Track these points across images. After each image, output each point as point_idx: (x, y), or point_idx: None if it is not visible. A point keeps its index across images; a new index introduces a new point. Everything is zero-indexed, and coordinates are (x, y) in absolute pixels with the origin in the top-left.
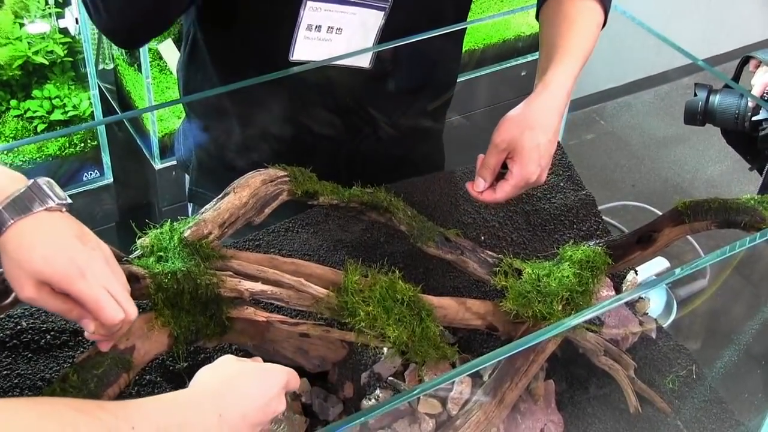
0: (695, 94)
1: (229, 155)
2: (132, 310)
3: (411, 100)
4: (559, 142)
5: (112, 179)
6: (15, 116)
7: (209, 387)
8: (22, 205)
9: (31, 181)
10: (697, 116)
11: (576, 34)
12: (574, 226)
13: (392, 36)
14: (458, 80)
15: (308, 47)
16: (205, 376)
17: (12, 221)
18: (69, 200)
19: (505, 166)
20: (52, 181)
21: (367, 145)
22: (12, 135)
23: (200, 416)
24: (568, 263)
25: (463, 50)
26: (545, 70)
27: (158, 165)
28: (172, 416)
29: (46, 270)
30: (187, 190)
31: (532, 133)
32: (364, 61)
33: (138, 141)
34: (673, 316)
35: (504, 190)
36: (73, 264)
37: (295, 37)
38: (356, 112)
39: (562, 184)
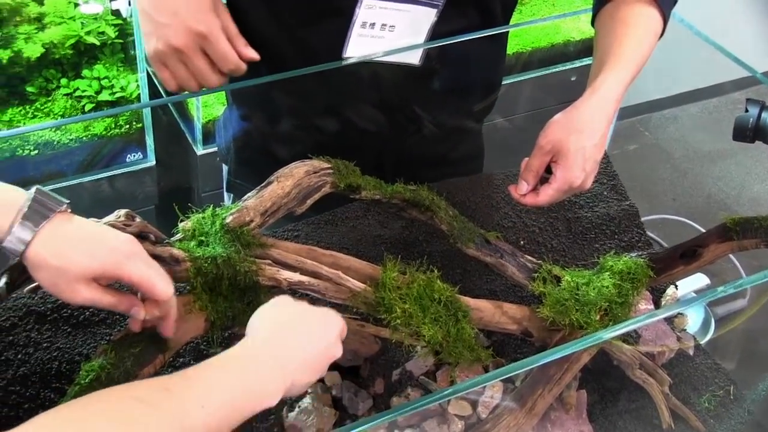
0: (746, 110)
1: (270, 147)
2: (172, 287)
3: (456, 99)
4: (604, 151)
5: (154, 162)
6: (64, 94)
7: (268, 336)
8: (40, 212)
9: (32, 188)
10: (747, 132)
11: (632, 41)
12: (616, 236)
13: (443, 34)
14: (504, 82)
15: (361, 44)
16: (264, 320)
17: (38, 229)
18: (68, 201)
19: (549, 171)
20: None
21: (409, 142)
22: (60, 113)
23: (260, 367)
24: (608, 273)
25: (511, 53)
26: (596, 75)
27: (200, 150)
28: (236, 384)
29: (94, 264)
30: (225, 180)
31: (578, 137)
32: (414, 58)
33: (182, 125)
34: (710, 334)
35: (546, 194)
36: (116, 250)
37: (349, 34)
38: (400, 109)
39: (605, 193)
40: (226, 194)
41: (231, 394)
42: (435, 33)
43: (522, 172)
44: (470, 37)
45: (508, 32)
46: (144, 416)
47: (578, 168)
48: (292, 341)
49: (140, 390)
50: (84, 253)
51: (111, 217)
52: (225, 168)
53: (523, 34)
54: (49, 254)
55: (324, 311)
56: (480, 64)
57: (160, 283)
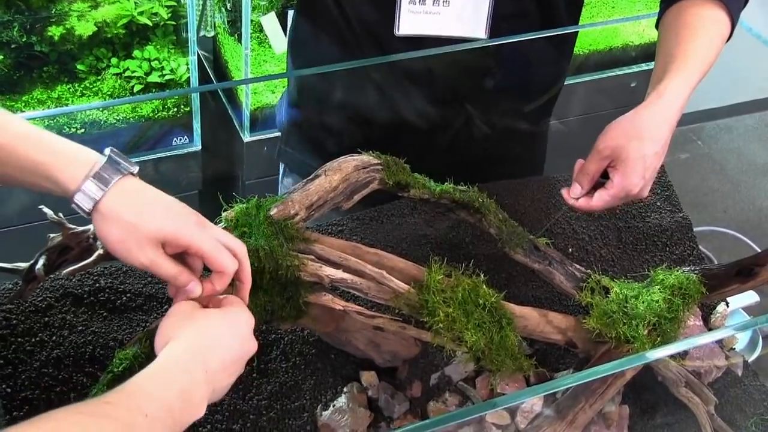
0: None
1: (324, 126)
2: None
3: (516, 97)
4: None
5: (200, 147)
6: (114, 74)
7: (189, 345)
8: (117, 166)
9: (107, 149)
10: None
11: (697, 44)
12: (667, 248)
13: (504, 6)
14: None
15: (414, 21)
16: (176, 331)
17: (116, 179)
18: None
19: (605, 175)
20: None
21: (463, 137)
22: (109, 92)
23: (191, 378)
24: (659, 287)
25: None
26: (660, 79)
27: (247, 137)
28: (171, 388)
29: (169, 227)
30: (277, 148)
31: (640, 144)
32: (480, 32)
33: (229, 111)
34: (757, 353)
35: (602, 199)
36: (190, 217)
37: (398, 10)
38: (456, 105)
39: (658, 204)
40: (280, 165)
41: (170, 404)
42: (497, 5)
43: (576, 174)
44: (533, 37)
45: (576, 33)
46: (99, 428)
47: (638, 176)
48: (210, 349)
49: (83, 407)
50: (160, 213)
51: None
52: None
53: (581, 36)
54: (125, 208)
55: (232, 311)
56: (543, 60)
57: (228, 257)
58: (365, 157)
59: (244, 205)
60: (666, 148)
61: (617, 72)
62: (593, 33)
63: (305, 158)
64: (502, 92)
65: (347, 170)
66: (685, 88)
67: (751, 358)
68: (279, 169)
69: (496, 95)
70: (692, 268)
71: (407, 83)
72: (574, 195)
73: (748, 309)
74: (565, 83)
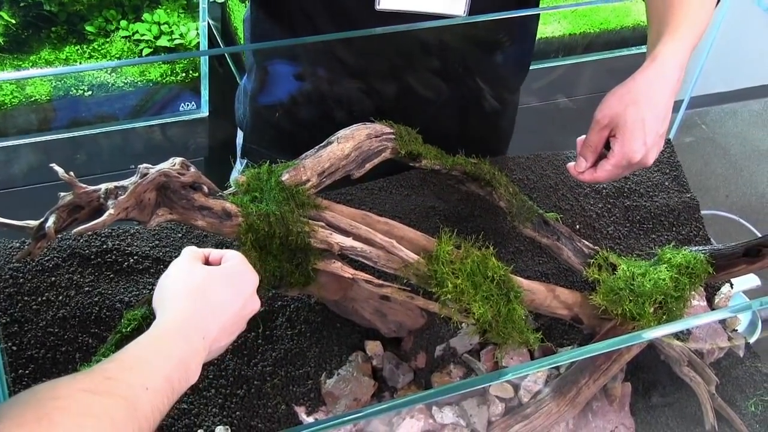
0: None
1: (287, 113)
2: None
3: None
4: (668, 140)
5: (207, 113)
6: (123, 37)
7: (187, 309)
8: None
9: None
10: None
11: (690, 5)
12: (674, 228)
13: None
14: (569, 62)
15: None
16: (175, 293)
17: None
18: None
19: (609, 147)
20: None
21: (431, 114)
22: (118, 55)
23: (190, 346)
24: (666, 266)
25: (577, 32)
26: (655, 44)
27: None
28: (171, 358)
29: None
30: (239, 146)
31: (636, 108)
32: (459, 8)
33: (238, 79)
34: (757, 335)
35: (604, 169)
36: None
37: None
38: (430, 87)
39: (666, 183)
40: (239, 160)
41: (170, 375)
42: None
43: (580, 148)
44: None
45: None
46: (105, 408)
47: (638, 142)
48: (209, 312)
49: (85, 382)
50: None
51: (166, 164)
52: (240, 134)
53: (592, 14)
54: None
55: (235, 272)
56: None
57: None
58: (378, 126)
59: (256, 169)
60: (668, 112)
61: (626, 52)
62: (605, 12)
63: (273, 154)
64: (474, 70)
65: (360, 138)
66: (681, 51)
67: (751, 341)
68: (237, 164)
69: (470, 73)
70: (701, 248)
71: (383, 64)
72: (579, 169)
73: (749, 293)
74: (575, 61)
